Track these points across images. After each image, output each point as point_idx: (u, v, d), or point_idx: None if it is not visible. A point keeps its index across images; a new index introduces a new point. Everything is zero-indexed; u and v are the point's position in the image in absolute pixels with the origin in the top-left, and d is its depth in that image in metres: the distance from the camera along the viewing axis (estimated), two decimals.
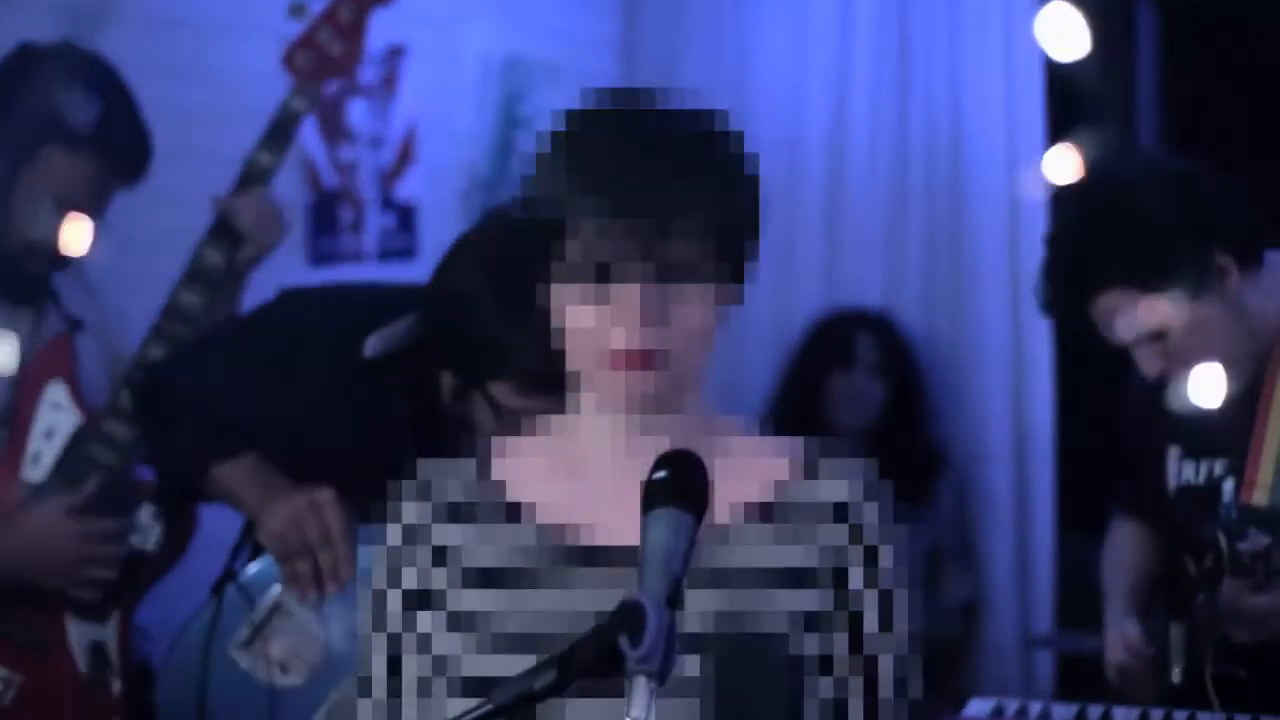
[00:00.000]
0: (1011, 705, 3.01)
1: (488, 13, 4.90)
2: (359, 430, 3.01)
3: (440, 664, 1.98)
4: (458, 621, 1.97)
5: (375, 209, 4.79)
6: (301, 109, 3.45)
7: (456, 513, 2.00)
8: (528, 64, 4.96)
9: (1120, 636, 3.26)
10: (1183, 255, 3.05)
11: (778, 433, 2.09)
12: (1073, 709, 2.97)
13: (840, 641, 1.97)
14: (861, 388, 4.75)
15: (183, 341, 3.32)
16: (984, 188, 4.84)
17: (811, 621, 1.95)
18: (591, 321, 1.92)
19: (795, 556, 1.96)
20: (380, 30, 4.61)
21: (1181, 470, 3.25)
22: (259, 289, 3.44)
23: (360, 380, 3.01)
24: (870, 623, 1.97)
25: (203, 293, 3.37)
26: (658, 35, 5.26)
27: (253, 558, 3.10)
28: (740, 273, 1.97)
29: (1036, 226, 4.41)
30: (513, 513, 2.00)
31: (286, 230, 3.53)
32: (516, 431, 2.73)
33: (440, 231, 4.14)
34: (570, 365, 1.97)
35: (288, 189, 4.09)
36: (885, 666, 1.98)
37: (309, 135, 4.54)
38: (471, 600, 1.97)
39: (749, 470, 1.99)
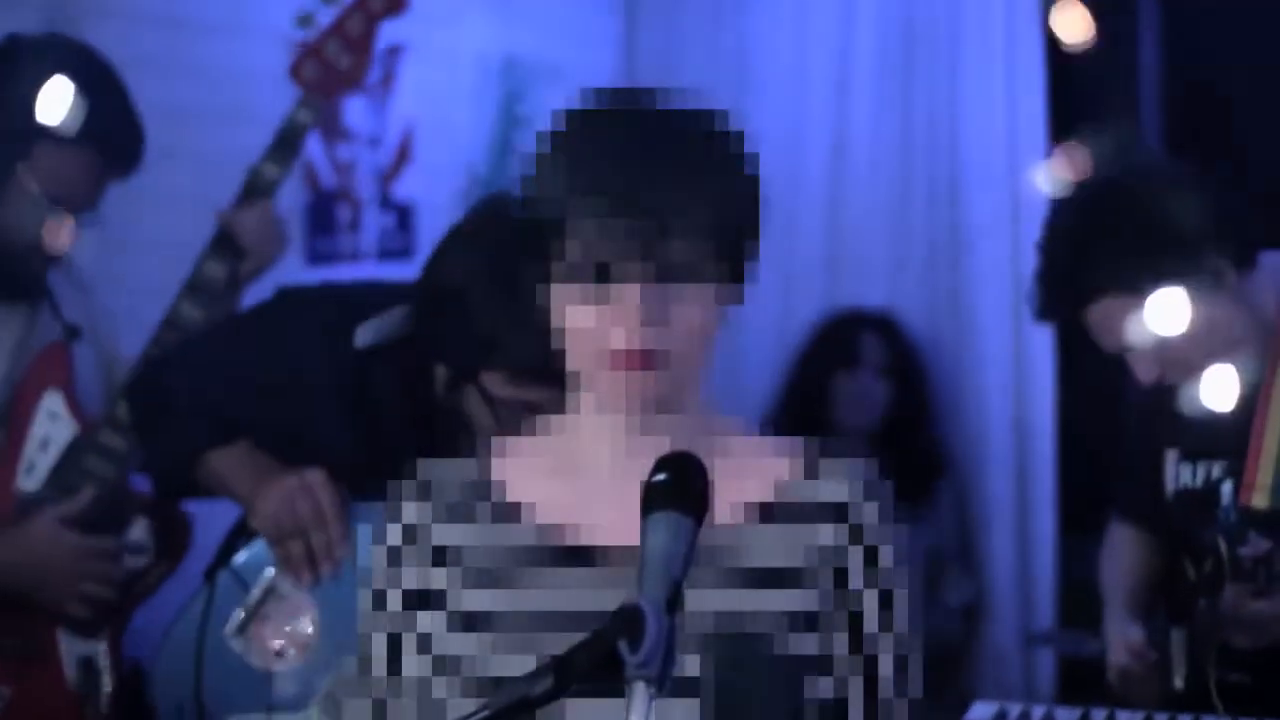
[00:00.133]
0: (1014, 709, 3.01)
1: (487, 11, 4.89)
2: (351, 422, 3.01)
3: (440, 664, 1.98)
4: (458, 622, 1.97)
5: (373, 208, 4.78)
6: (308, 121, 3.43)
7: (456, 512, 2.00)
8: (527, 63, 4.95)
9: (1122, 640, 3.25)
10: (1176, 261, 3.05)
11: (782, 433, 2.09)
12: (1076, 713, 2.97)
13: (840, 641, 1.97)
14: (866, 388, 4.74)
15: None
16: (985, 188, 4.84)
17: (811, 621, 1.95)
18: (591, 321, 1.92)
19: (796, 556, 1.96)
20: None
21: (1179, 474, 3.24)
22: (257, 289, 3.44)
23: (353, 373, 3.01)
24: (870, 623, 1.97)
25: (203, 305, 3.35)
26: (657, 34, 5.25)
27: (240, 539, 3.08)
28: (740, 273, 1.97)
29: (1038, 227, 4.39)
30: (511, 512, 2.00)
31: (288, 243, 3.51)
32: (511, 423, 2.77)
33: (438, 231, 4.12)
34: (570, 365, 1.97)
35: (285, 188, 4.08)
36: (885, 667, 1.98)
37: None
38: (471, 600, 1.97)
39: (750, 470, 1.99)
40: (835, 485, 1.99)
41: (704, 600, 1.91)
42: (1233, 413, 3.13)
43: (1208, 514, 3.15)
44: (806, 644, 1.95)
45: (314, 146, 4.66)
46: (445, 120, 4.88)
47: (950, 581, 4.73)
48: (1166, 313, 3.06)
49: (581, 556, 1.96)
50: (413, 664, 1.99)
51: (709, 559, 1.92)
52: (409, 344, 2.98)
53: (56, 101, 3.23)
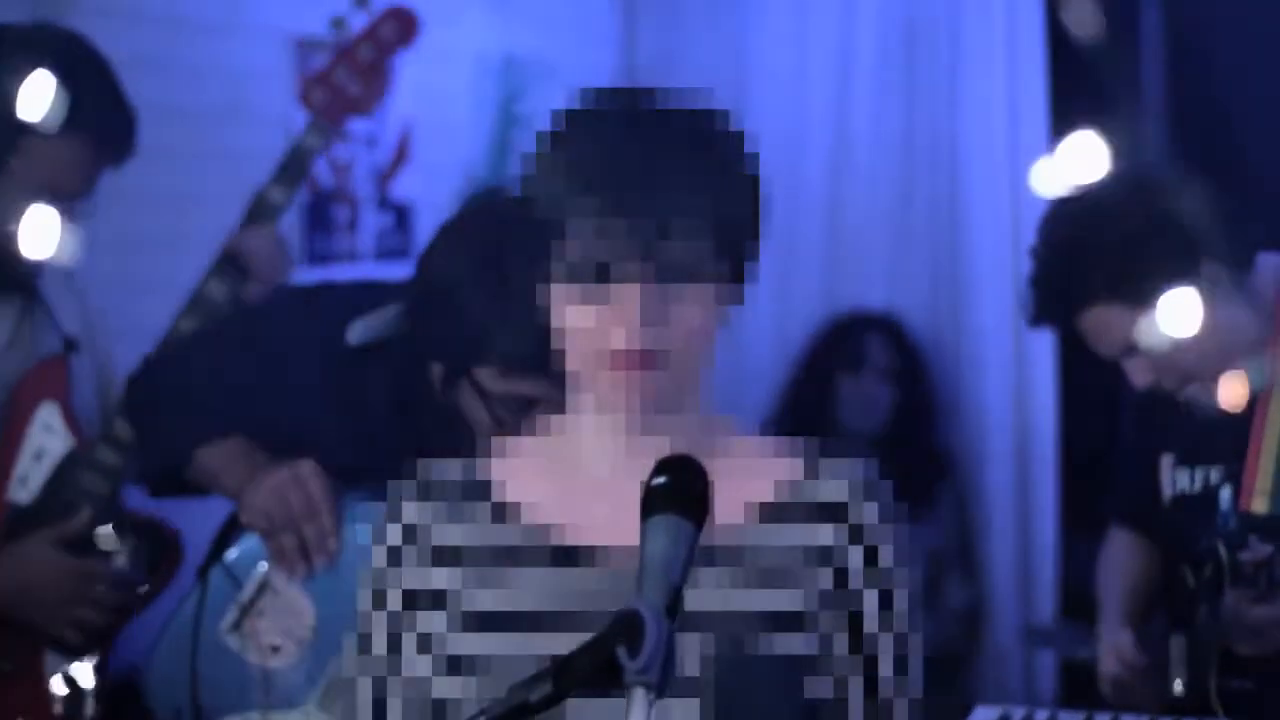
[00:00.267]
0: (1018, 712, 3.00)
1: (486, 11, 4.88)
2: (345, 420, 3.00)
3: (440, 664, 1.97)
4: (458, 622, 1.97)
5: (371, 208, 4.77)
6: (316, 146, 3.42)
7: (455, 513, 2.00)
8: (526, 63, 4.95)
9: (1113, 647, 3.24)
10: (1169, 268, 3.04)
11: (785, 435, 2.08)
12: (1079, 717, 2.96)
13: (840, 641, 1.96)
14: (870, 391, 4.73)
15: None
16: (986, 188, 4.83)
17: (812, 621, 1.95)
18: (591, 321, 1.92)
19: (796, 557, 1.96)
20: None
21: (1176, 479, 3.23)
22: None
23: (347, 370, 3.00)
24: (870, 623, 1.97)
25: (202, 324, 3.33)
26: (657, 33, 5.25)
27: (232, 535, 3.06)
28: (740, 273, 1.98)
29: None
30: (510, 513, 1.99)
31: (293, 266, 3.50)
32: (506, 418, 2.77)
33: None
34: (569, 365, 1.97)
35: None
36: (885, 667, 1.98)
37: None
38: (471, 600, 1.96)
39: (752, 470, 1.99)
40: (835, 485, 1.99)
41: (707, 600, 1.91)
42: (1230, 417, 3.12)
43: (1206, 519, 3.14)
44: (807, 644, 1.94)
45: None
46: (444, 120, 4.88)
47: (951, 584, 4.72)
48: (1161, 319, 3.05)
49: (581, 557, 1.95)
50: (413, 664, 1.98)
51: (713, 559, 1.92)
52: (403, 342, 2.98)
53: (39, 96, 3.21)
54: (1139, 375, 3.12)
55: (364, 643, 2.01)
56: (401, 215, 4.79)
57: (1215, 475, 3.17)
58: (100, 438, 3.30)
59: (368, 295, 3.10)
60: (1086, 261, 3.08)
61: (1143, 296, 3.04)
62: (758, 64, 5.09)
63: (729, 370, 4.74)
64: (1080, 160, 3.28)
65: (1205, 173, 3.29)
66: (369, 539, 2.03)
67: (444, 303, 2.84)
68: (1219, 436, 3.15)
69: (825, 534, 1.97)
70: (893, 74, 4.98)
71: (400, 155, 4.80)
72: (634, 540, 1.73)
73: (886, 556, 1.98)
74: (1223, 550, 3.07)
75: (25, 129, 3.21)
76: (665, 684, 1.62)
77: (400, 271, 3.08)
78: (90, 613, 3.26)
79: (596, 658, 1.62)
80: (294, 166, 3.40)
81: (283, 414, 3.04)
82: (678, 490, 1.74)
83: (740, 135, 1.97)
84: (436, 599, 1.98)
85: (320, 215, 4.71)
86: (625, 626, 1.62)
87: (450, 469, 2.02)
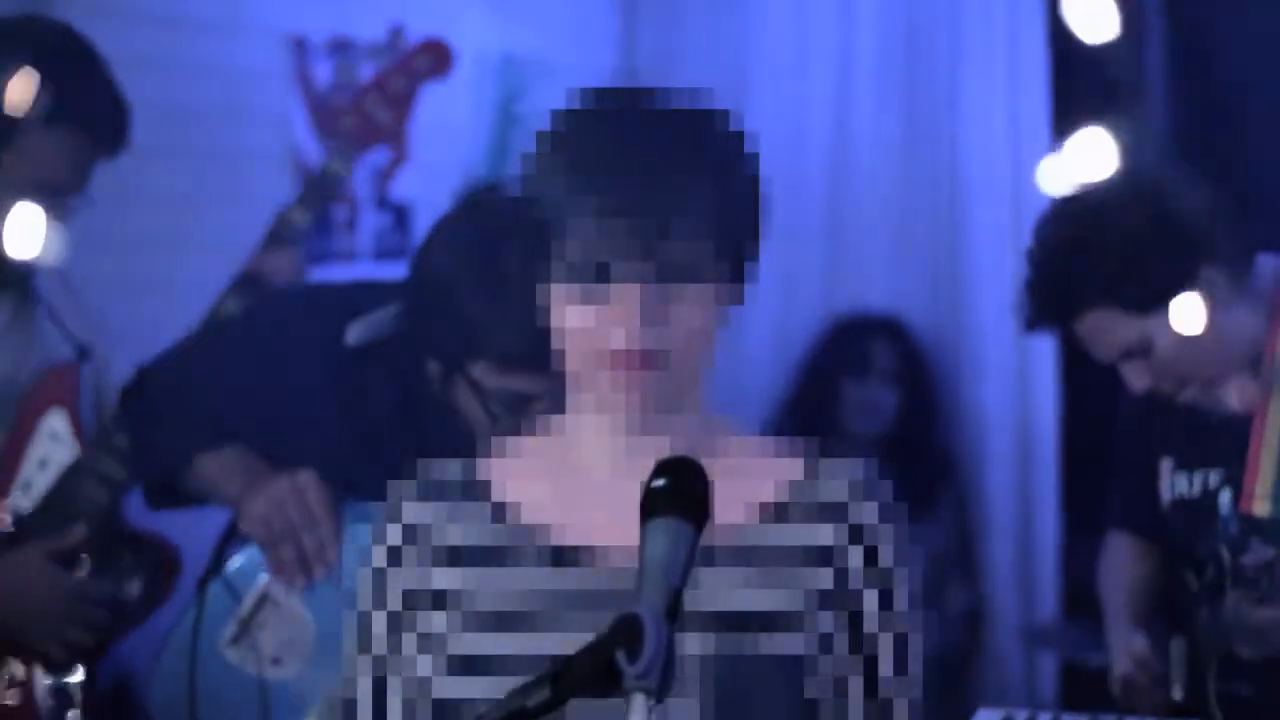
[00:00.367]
0: (1020, 715, 2.99)
1: (485, 10, 4.87)
2: (344, 422, 2.99)
3: (440, 664, 1.97)
4: (458, 622, 1.96)
5: (369, 208, 4.76)
6: (342, 172, 3.44)
7: (455, 513, 2.00)
8: (525, 62, 4.94)
9: (1126, 649, 3.22)
10: (1165, 274, 3.03)
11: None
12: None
13: (840, 641, 1.96)
14: (875, 397, 4.72)
15: None
16: (987, 188, 4.83)
17: (812, 621, 1.95)
18: (590, 321, 1.91)
19: (796, 557, 1.96)
20: (375, 25, 4.61)
21: (1175, 483, 3.23)
22: None
23: (344, 372, 2.99)
24: (870, 623, 1.97)
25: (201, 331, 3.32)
26: (657, 33, 5.24)
27: (230, 547, 3.05)
28: (741, 273, 1.98)
29: None
30: (509, 513, 1.99)
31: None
32: (503, 415, 2.77)
33: None
34: (569, 365, 1.97)
35: (280, 186, 4.07)
36: (885, 667, 1.98)
37: (302, 133, 4.52)
38: (471, 601, 1.96)
39: (755, 470, 1.99)
40: (835, 485, 1.99)
41: (706, 600, 1.91)
42: (1228, 420, 3.12)
43: (1206, 523, 3.14)
44: (807, 644, 1.94)
45: (309, 144, 4.64)
46: (443, 119, 4.86)
47: (951, 586, 4.72)
48: (1158, 323, 3.04)
49: (581, 557, 1.95)
50: (413, 664, 1.98)
51: (712, 559, 1.91)
52: (401, 342, 2.97)
53: (25, 89, 3.18)
54: (1136, 379, 3.11)
55: (363, 643, 2.01)
56: (400, 215, 4.79)
57: (1215, 478, 3.16)
58: (102, 447, 3.28)
59: (365, 296, 3.10)
60: (1083, 266, 3.07)
61: (1140, 301, 3.03)
62: (758, 64, 5.09)
63: (729, 370, 4.73)
64: (1087, 157, 3.27)
65: (1206, 173, 3.28)
66: (369, 538, 2.03)
67: (439, 298, 2.84)
68: (1218, 439, 3.14)
69: (825, 534, 1.97)
70: (893, 74, 4.98)
71: (399, 155, 4.79)
72: (633, 540, 1.72)
73: (886, 556, 1.98)
74: (1224, 553, 3.07)
75: (13, 123, 3.18)
76: (665, 689, 1.61)
77: (399, 271, 3.07)
78: (79, 632, 3.22)
79: (595, 662, 1.60)
80: (318, 191, 3.41)
81: (280, 417, 3.03)
82: (678, 493, 1.73)
83: (740, 135, 1.97)
84: (436, 599, 1.98)
85: (319, 215, 4.70)
86: (624, 630, 1.61)
87: (450, 469, 2.02)
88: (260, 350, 3.07)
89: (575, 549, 1.96)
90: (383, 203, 4.78)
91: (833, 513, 1.97)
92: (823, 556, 1.96)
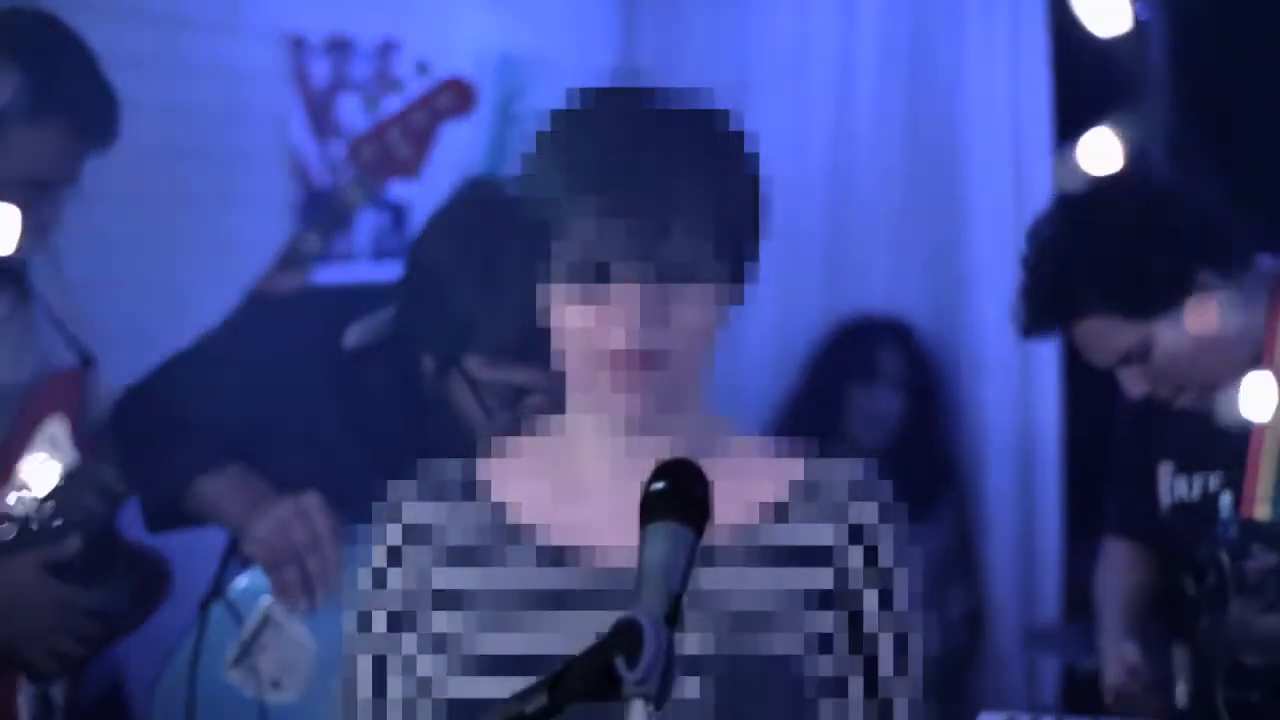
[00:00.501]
0: (1022, 718, 2.98)
1: (484, 9, 4.86)
2: (345, 435, 2.98)
3: (440, 665, 1.97)
4: (458, 623, 1.96)
5: (367, 208, 4.74)
6: (358, 201, 3.45)
7: (454, 514, 1.99)
8: (524, 61, 4.93)
9: (1119, 658, 3.21)
10: (1161, 279, 3.02)
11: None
12: None
13: (840, 641, 1.96)
14: (882, 403, 4.70)
15: None
16: (989, 189, 4.82)
17: (812, 621, 1.95)
18: (590, 321, 1.91)
19: (795, 557, 1.96)
20: (373, 25, 4.60)
21: (1174, 486, 3.22)
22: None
23: (344, 377, 2.98)
24: (870, 623, 1.98)
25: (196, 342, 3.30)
26: (657, 32, 5.23)
27: (231, 569, 3.03)
28: (741, 273, 1.98)
29: None
30: (509, 513, 1.99)
31: None
32: (497, 409, 2.76)
33: None
34: (569, 365, 1.96)
35: (277, 186, 4.07)
36: (885, 667, 1.98)
37: (299, 131, 4.51)
38: (471, 601, 1.96)
39: (752, 471, 1.99)
40: (835, 485, 1.99)
41: (705, 600, 1.90)
42: (1227, 424, 3.11)
43: (1205, 527, 3.13)
44: (807, 644, 1.94)
45: (307, 144, 4.64)
46: None
47: (953, 589, 4.71)
48: (1153, 329, 3.03)
49: (581, 558, 1.95)
50: (413, 664, 1.98)
51: (712, 559, 1.91)
52: (396, 342, 2.96)
53: (7, 83, 3.16)
54: (1133, 384, 3.11)
55: (363, 643, 2.00)
56: (398, 215, 4.78)
57: (1214, 482, 3.15)
58: (99, 457, 3.25)
59: (363, 299, 3.08)
60: (1079, 273, 3.06)
61: (1137, 307, 3.03)
62: (759, 63, 5.08)
63: (729, 370, 4.72)
64: (1092, 157, 3.26)
65: (1206, 173, 3.27)
66: (368, 539, 2.02)
67: (433, 291, 2.83)
68: (1217, 443, 3.14)
69: (825, 534, 1.97)
70: (895, 74, 4.97)
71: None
72: (633, 540, 1.71)
73: (886, 556, 1.99)
74: (1225, 559, 3.06)
75: (2, 117, 3.16)
76: (665, 695, 1.60)
77: (397, 272, 3.06)
78: (68, 643, 3.19)
79: (594, 668, 1.58)
80: (331, 216, 3.42)
81: (280, 429, 3.00)
82: (677, 496, 1.72)
83: (741, 134, 1.97)
84: (436, 599, 1.97)
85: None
86: (623, 635, 1.59)
87: (449, 469, 2.03)
88: (257, 358, 3.04)
89: (575, 549, 1.96)
90: (381, 203, 4.77)
91: (833, 513, 1.97)
92: (823, 556, 1.96)
